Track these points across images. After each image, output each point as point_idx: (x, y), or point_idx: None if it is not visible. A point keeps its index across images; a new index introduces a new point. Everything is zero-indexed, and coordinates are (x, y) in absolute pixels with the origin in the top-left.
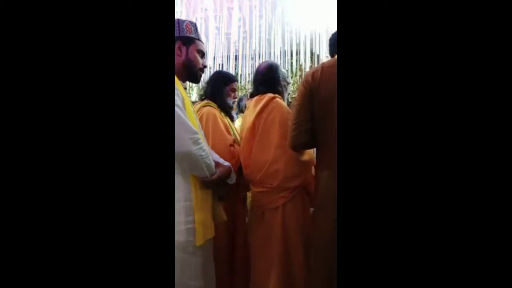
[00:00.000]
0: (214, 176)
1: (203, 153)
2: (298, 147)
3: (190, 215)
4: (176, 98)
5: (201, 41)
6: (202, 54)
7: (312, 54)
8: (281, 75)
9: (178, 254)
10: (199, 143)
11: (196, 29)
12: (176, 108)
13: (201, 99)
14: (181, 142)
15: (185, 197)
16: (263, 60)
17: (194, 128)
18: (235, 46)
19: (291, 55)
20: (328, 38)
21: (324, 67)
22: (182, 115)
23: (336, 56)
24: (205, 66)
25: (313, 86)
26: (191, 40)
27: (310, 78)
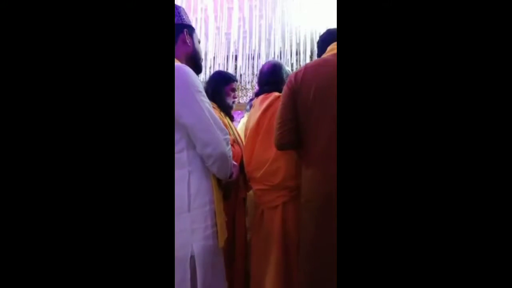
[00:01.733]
0: (233, 177)
1: (230, 154)
2: (283, 146)
3: (214, 218)
4: (204, 93)
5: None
6: (199, 42)
7: (312, 54)
8: (285, 74)
9: (209, 257)
10: (229, 144)
11: (186, 13)
12: (207, 105)
13: None
14: (219, 143)
15: (210, 200)
16: (263, 60)
17: (225, 128)
18: (235, 46)
19: (291, 55)
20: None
21: (306, 68)
22: (214, 113)
23: (321, 56)
24: (202, 58)
25: (295, 86)
26: (193, 29)
27: (293, 78)
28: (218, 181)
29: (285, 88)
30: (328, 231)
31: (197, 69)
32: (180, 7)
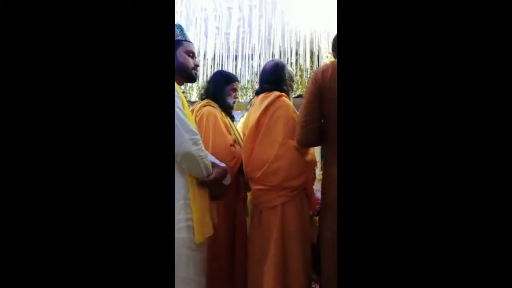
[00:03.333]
0: (211, 177)
1: (202, 154)
2: (307, 145)
3: (189, 213)
4: (176, 99)
5: (188, 41)
6: (192, 54)
7: (312, 54)
8: (287, 74)
9: (182, 250)
10: (198, 144)
11: (181, 31)
12: (176, 109)
13: (202, 99)
14: (182, 143)
15: (184, 196)
16: (263, 60)
17: (194, 129)
18: (235, 46)
19: (291, 55)
20: (328, 38)
21: (334, 65)
22: (183, 116)
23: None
24: (197, 65)
25: (322, 84)
26: (177, 43)
27: (320, 76)
28: (197, 179)
29: (310, 86)
30: None
31: (187, 79)
32: None
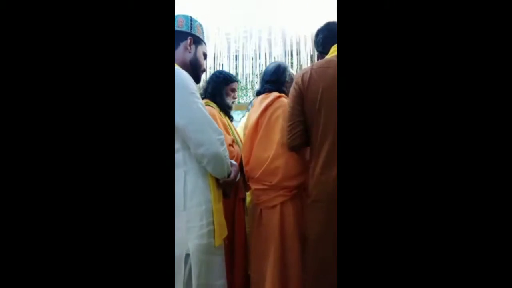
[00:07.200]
0: (232, 176)
1: (226, 154)
2: (294, 148)
3: (210, 217)
4: (198, 95)
5: (205, 43)
6: (205, 57)
7: (312, 54)
8: (288, 76)
9: (203, 256)
10: (224, 144)
11: (203, 31)
12: (201, 106)
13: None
14: (212, 144)
15: (206, 199)
16: (263, 60)
17: (219, 128)
18: (235, 46)
19: (291, 55)
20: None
21: (312, 69)
22: (208, 114)
23: (325, 57)
24: (204, 70)
25: (302, 87)
26: (200, 41)
27: (300, 80)
28: (217, 180)
29: (291, 90)
30: (333, 231)
31: (195, 79)
32: (196, 21)
